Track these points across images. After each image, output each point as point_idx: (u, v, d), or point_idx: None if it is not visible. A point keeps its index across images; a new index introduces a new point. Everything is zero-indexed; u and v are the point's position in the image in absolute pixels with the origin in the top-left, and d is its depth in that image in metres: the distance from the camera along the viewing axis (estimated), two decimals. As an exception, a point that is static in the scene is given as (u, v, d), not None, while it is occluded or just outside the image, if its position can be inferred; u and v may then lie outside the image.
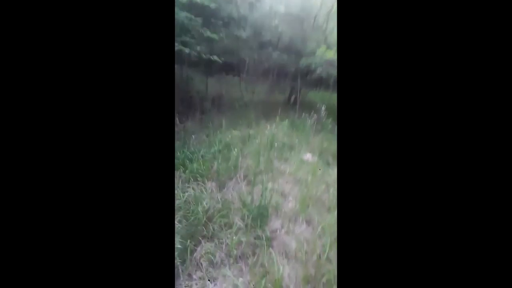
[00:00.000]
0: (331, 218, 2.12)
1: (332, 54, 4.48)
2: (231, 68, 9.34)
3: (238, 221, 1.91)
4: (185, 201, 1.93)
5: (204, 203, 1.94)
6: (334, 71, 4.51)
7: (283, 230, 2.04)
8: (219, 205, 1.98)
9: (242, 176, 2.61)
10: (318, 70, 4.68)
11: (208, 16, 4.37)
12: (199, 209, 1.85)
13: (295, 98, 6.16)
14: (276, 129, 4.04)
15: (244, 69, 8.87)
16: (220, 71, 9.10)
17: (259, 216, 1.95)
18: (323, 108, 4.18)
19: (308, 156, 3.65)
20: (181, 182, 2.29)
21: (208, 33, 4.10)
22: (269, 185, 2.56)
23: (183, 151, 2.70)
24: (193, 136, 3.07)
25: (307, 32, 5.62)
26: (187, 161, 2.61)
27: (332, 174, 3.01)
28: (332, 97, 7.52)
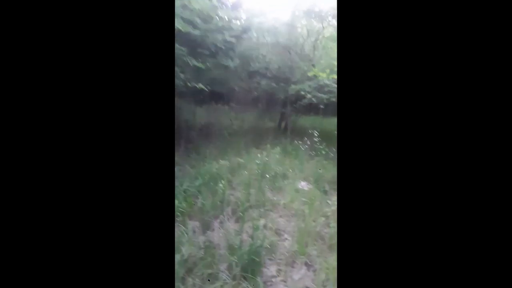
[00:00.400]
0: (334, 259, 1.80)
1: (325, 77, 4.47)
2: (220, 97, 9.38)
3: (224, 272, 1.56)
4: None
5: (183, 251, 1.59)
6: (324, 96, 4.46)
7: (278, 278, 1.70)
8: (201, 252, 1.63)
9: (230, 212, 2.29)
10: (308, 96, 4.63)
11: (194, 46, 4.36)
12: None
13: (286, 124, 6.06)
14: (267, 157, 3.81)
15: (233, 98, 8.91)
16: (209, 100, 9.11)
17: (250, 263, 1.61)
18: (315, 133, 4.02)
19: (303, 184, 3.38)
20: (158, 223, 1.96)
21: (194, 62, 4.03)
22: (261, 222, 2.24)
23: (163, 186, 2.38)
24: (176, 168, 2.77)
25: (295, 61, 5.71)
26: (168, 197, 2.29)
27: (331, 204, 2.73)
28: (324, 122, 7.49)
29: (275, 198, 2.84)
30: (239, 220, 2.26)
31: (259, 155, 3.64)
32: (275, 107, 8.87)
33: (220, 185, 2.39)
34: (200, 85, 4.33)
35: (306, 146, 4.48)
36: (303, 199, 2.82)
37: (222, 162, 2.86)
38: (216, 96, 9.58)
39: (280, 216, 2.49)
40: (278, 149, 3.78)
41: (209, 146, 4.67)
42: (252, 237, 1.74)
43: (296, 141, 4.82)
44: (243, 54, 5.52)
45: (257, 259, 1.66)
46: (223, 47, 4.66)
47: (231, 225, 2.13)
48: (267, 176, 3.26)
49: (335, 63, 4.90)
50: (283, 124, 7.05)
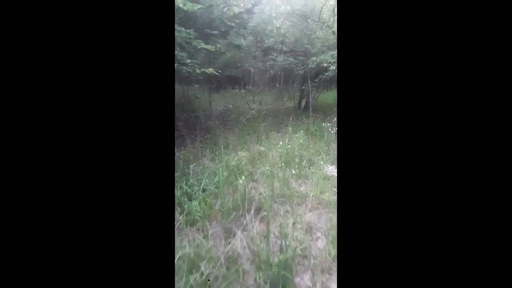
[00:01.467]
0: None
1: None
2: (235, 80, 8.97)
3: (251, 290, 1.32)
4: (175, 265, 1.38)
5: (202, 267, 1.37)
6: None
7: (315, 290, 1.43)
8: (223, 269, 1.40)
9: (253, 211, 2.03)
10: (332, 67, 4.05)
11: (201, 27, 3.96)
12: (190, 279, 1.28)
13: (307, 103, 5.55)
14: (289, 143, 3.46)
15: (249, 80, 8.45)
16: (225, 85, 8.75)
17: (281, 279, 1.35)
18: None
19: (331, 169, 3.01)
20: (176, 230, 1.76)
21: (203, 45, 3.66)
22: (290, 220, 1.96)
23: (180, 186, 2.17)
24: (191, 167, 2.55)
25: (313, 30, 5.06)
26: (185, 198, 2.08)
27: None
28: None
29: (302, 189, 2.53)
30: (264, 219, 2.00)
31: (281, 142, 3.28)
32: (294, 84, 8.26)
33: (240, 181, 2.12)
34: (211, 70, 3.99)
35: (329, 124, 4.02)
36: (334, 188, 2.47)
37: (241, 153, 2.58)
38: (232, 80, 9.19)
39: (310, 210, 2.19)
40: (301, 132, 3.38)
41: (228, 135, 4.41)
42: (280, 247, 1.46)
43: (319, 119, 4.37)
44: (256, 29, 4.98)
45: (288, 274, 1.39)
46: (233, 25, 4.20)
47: (256, 227, 1.87)
48: (291, 163, 2.93)
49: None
50: (303, 102, 6.53)
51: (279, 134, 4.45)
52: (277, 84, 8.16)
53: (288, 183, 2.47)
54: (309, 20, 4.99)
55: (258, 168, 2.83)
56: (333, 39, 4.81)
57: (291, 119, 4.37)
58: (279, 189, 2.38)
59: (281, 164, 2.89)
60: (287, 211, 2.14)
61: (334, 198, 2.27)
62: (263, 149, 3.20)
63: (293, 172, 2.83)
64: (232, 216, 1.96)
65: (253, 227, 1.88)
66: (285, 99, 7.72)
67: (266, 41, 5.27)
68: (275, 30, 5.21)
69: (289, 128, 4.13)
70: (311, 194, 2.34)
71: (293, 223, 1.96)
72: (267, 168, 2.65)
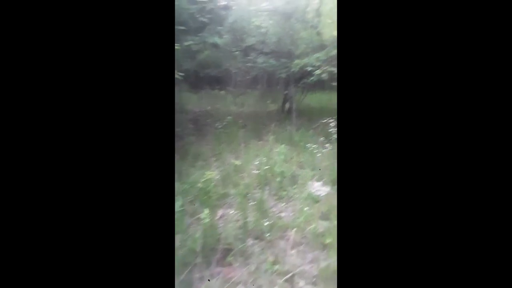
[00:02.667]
0: None
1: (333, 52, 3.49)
2: (215, 81, 8.42)
3: None
4: None
5: None
6: (336, 71, 3.49)
7: None
8: None
9: (220, 254, 1.56)
10: (318, 72, 3.64)
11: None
12: None
13: (290, 107, 5.15)
14: (270, 154, 3.02)
15: (230, 81, 7.94)
16: (204, 85, 8.19)
17: None
18: (330, 120, 3.16)
19: (317, 187, 2.60)
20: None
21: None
22: (266, 265, 1.51)
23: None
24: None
25: (297, 30, 4.65)
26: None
27: None
28: (332, 97, 6.46)
29: (283, 216, 2.09)
30: (232, 265, 1.53)
31: (258, 158, 2.82)
32: (278, 86, 7.87)
33: (203, 214, 1.64)
34: (179, 74, 3.47)
35: (313, 131, 3.63)
36: (322, 209, 2.06)
37: (208, 174, 2.09)
38: (211, 80, 8.61)
39: (292, 249, 1.75)
40: (282, 147, 2.92)
41: (202, 143, 3.89)
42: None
43: (304, 129, 3.97)
44: (234, 27, 4.49)
45: None
46: (206, 20, 3.69)
47: (220, 280, 1.40)
48: (271, 182, 2.49)
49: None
50: (287, 106, 6.13)
51: (260, 142, 4.00)
52: (259, 86, 7.71)
53: (265, 211, 2.02)
54: (292, 19, 4.58)
55: (230, 187, 2.36)
56: (318, 40, 4.43)
57: (273, 126, 3.94)
58: (254, 221, 1.92)
59: (260, 184, 2.44)
60: (262, 250, 1.69)
61: (322, 230, 1.84)
62: (239, 163, 2.73)
63: (273, 193, 2.39)
64: (191, 265, 1.47)
65: (216, 280, 1.41)
66: (268, 102, 7.29)
67: (247, 40, 4.79)
68: (255, 29, 4.74)
69: (271, 137, 3.70)
70: (293, 230, 1.88)
71: (270, 268, 1.51)
72: (241, 190, 2.19)
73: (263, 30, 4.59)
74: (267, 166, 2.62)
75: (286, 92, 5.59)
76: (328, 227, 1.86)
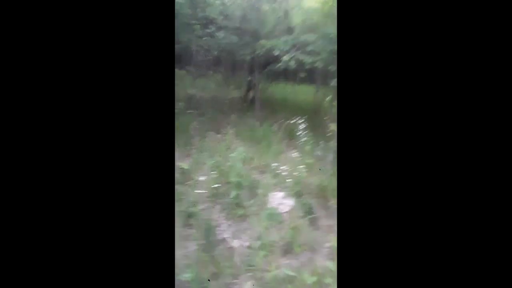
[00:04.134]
0: None
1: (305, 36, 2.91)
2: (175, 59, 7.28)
3: None
4: None
5: None
6: (307, 59, 2.93)
7: None
8: None
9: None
10: (285, 58, 3.06)
11: None
12: None
13: (254, 97, 4.55)
14: (226, 154, 2.44)
15: (190, 60, 6.91)
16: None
17: None
18: (299, 121, 2.67)
19: (280, 199, 2.15)
20: None
21: None
22: None
23: None
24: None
25: (264, 9, 3.96)
26: None
27: (331, 238, 1.56)
28: (299, 90, 6.00)
29: (235, 246, 1.58)
30: None
31: (212, 159, 2.21)
32: (242, 70, 7.12)
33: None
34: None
35: (276, 126, 3.15)
36: (285, 235, 1.61)
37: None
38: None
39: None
40: (240, 150, 2.35)
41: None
42: None
43: (268, 123, 3.45)
44: None
45: None
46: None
47: None
48: (224, 195, 1.94)
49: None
50: (250, 94, 5.51)
51: (218, 136, 3.37)
52: (222, 69, 6.86)
53: (211, 243, 1.48)
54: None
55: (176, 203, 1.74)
56: (286, 24, 3.83)
57: (233, 117, 3.33)
58: (197, 255, 1.37)
59: (209, 197, 1.88)
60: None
61: (292, 272, 1.36)
62: (187, 167, 2.10)
63: (226, 209, 1.85)
64: None
65: None
66: (231, 87, 6.56)
67: (207, 11, 3.92)
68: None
69: (230, 131, 3.09)
70: (248, 274, 1.37)
71: None
72: (183, 207, 1.60)
73: (226, 1, 3.77)
74: (221, 171, 2.05)
75: (250, 78, 4.94)
76: (297, 269, 1.40)
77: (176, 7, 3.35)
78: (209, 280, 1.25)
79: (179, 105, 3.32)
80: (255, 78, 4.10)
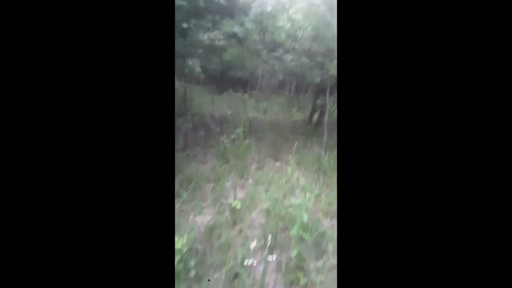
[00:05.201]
0: None
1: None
2: (239, 83, 7.50)
3: None
4: None
5: None
6: None
7: None
8: None
9: None
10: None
11: (187, 14, 2.56)
12: None
13: (320, 117, 3.98)
14: (284, 187, 1.97)
15: (256, 84, 6.96)
16: (227, 87, 7.33)
17: None
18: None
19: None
20: None
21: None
22: None
23: None
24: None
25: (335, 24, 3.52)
26: None
27: None
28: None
29: None
30: None
31: (267, 194, 1.77)
32: (307, 93, 6.70)
33: None
34: (198, 69, 2.68)
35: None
36: None
37: (178, 241, 1.13)
38: (235, 82, 7.72)
39: None
40: (307, 197, 1.82)
41: (206, 159, 2.97)
42: None
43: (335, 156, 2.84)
44: (259, 19, 3.49)
45: None
46: (224, 4, 2.76)
47: None
48: (284, 247, 1.44)
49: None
50: (315, 116, 4.97)
51: (276, 164, 2.96)
52: (286, 92, 6.61)
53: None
54: (331, 11, 3.45)
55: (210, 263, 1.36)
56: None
57: (295, 147, 2.87)
58: None
59: (261, 248, 1.42)
60: None
61: None
62: (239, 206, 1.72)
63: (279, 278, 1.34)
64: None
65: None
66: (294, 110, 6.20)
67: (275, 35, 3.76)
68: (286, 22, 3.69)
69: (291, 159, 2.64)
70: None
71: None
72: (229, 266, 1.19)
73: (297, 20, 3.49)
74: (280, 216, 1.58)
75: (318, 101, 4.44)
76: None
77: (244, 33, 3.31)
78: (208, 280, 1.21)
79: (236, 131, 3.11)
80: (326, 100, 3.58)
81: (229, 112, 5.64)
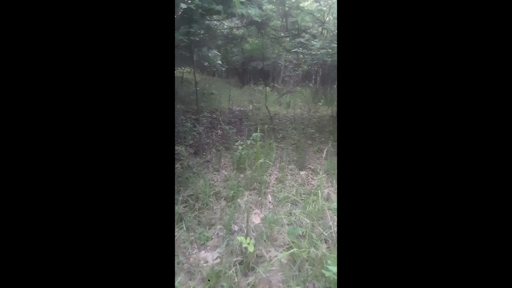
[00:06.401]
0: None
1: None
2: (260, 75, 6.92)
3: None
4: None
5: None
6: None
7: None
8: None
9: None
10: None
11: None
12: None
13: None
14: (314, 213, 1.50)
15: (278, 77, 6.36)
16: (247, 79, 6.83)
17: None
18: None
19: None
20: None
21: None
22: None
23: None
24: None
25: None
26: None
27: None
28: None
29: None
30: None
31: (288, 227, 1.31)
32: (334, 85, 5.95)
33: None
34: (219, 62, 2.28)
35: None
36: None
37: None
38: (257, 74, 7.16)
39: None
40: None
41: (218, 167, 2.58)
42: None
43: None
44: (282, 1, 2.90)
45: None
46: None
47: None
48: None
49: None
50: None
51: (302, 173, 2.47)
52: (311, 84, 5.93)
53: None
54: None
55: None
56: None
57: (325, 152, 2.32)
58: None
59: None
60: None
61: None
62: (252, 248, 1.29)
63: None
64: None
65: None
66: (320, 103, 5.53)
67: (299, 19, 3.14)
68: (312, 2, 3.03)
69: (320, 172, 2.12)
70: None
71: None
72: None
73: (323, 7, 2.84)
74: (302, 251, 1.13)
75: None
76: None
77: (264, 19, 2.78)
78: (209, 280, 1.14)
79: (253, 136, 2.65)
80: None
81: (250, 107, 5.18)
